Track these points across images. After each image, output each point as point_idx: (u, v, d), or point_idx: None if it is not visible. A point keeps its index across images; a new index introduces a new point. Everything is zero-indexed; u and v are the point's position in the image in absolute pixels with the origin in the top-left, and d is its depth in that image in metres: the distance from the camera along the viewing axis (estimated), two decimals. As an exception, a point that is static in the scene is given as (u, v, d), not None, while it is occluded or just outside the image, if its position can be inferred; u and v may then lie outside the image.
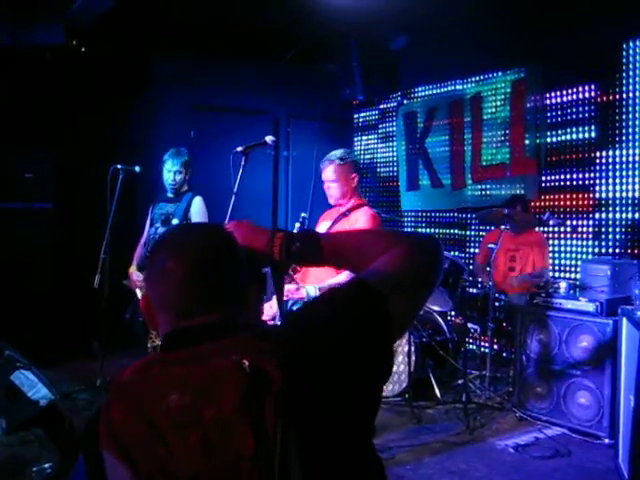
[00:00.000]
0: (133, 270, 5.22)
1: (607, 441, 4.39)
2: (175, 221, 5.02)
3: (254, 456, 0.95)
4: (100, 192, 5.12)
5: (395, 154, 8.42)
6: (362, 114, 9.03)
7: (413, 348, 5.23)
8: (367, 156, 8.97)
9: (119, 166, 5.14)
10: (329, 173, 4.10)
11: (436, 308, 5.85)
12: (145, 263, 1.13)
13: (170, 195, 5.15)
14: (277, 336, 1.17)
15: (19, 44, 6.13)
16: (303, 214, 3.92)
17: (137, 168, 5.24)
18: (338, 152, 4.15)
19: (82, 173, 6.76)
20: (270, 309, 3.73)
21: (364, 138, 9.03)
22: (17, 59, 6.30)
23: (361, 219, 3.98)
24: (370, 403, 1.21)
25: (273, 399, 0.98)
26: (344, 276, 3.61)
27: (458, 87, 7.54)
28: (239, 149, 3.71)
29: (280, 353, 1.05)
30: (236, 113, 7.90)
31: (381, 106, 8.69)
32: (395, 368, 5.36)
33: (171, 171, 5.03)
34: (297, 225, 3.80)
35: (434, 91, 7.92)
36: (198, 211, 5.11)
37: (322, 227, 4.13)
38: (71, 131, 6.84)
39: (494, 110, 6.98)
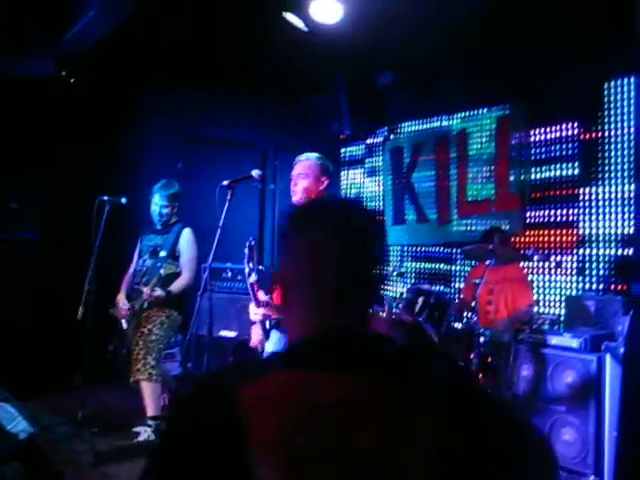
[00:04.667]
0: (121, 298, 5.20)
1: (592, 478, 4.36)
2: (163, 253, 5.03)
3: None
4: (86, 223, 5.10)
5: (381, 188, 8.48)
6: (349, 148, 9.10)
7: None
8: (353, 190, 9.02)
9: (105, 197, 5.13)
10: (301, 167, 3.92)
11: (421, 342, 5.84)
12: (284, 232, 1.03)
13: (158, 227, 5.17)
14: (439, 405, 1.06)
15: (8, 75, 6.15)
16: (251, 238, 3.71)
17: (123, 199, 5.23)
18: (315, 153, 4.00)
19: (69, 204, 6.73)
20: (258, 336, 3.70)
21: (351, 172, 9.10)
22: (6, 89, 6.31)
23: None
24: None
25: None
26: None
27: (444, 123, 7.62)
28: (225, 183, 3.72)
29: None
30: (224, 145, 7.94)
31: (368, 141, 8.76)
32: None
33: (157, 204, 5.06)
34: (246, 251, 3.65)
35: (420, 127, 7.99)
36: (187, 242, 5.12)
37: None
38: (59, 161, 6.84)
39: (479, 146, 7.05)
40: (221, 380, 1.09)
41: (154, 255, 5.07)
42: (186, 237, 5.14)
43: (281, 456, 0.95)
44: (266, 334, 3.67)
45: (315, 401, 1.00)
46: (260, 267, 3.67)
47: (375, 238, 1.21)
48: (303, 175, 3.89)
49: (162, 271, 4.98)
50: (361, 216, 1.22)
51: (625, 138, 5.59)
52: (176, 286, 5.06)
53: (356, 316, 1.15)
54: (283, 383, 1.02)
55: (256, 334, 3.69)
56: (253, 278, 3.51)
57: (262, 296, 3.51)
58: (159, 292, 4.96)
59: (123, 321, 5.20)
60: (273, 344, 3.64)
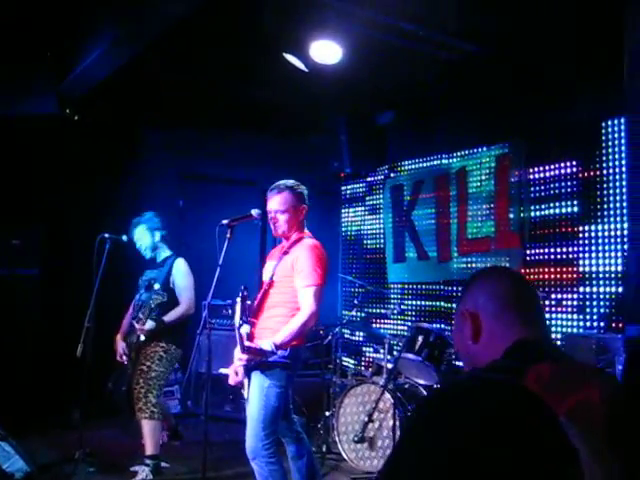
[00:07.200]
0: (118, 339, 5.23)
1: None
2: (157, 286, 5.06)
3: None
4: (87, 260, 5.13)
5: (382, 226, 8.50)
6: (349, 186, 9.16)
7: (398, 423, 5.16)
8: (354, 228, 9.06)
9: (106, 235, 5.17)
10: (277, 202, 3.84)
11: (421, 382, 5.81)
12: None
13: (155, 261, 5.24)
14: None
15: (12, 112, 6.23)
16: (243, 287, 3.66)
17: (124, 237, 5.27)
18: (288, 182, 3.91)
19: (69, 240, 6.78)
20: (235, 376, 3.70)
21: (351, 210, 9.14)
22: (9, 126, 6.38)
23: (301, 255, 3.73)
24: None
25: None
26: (298, 318, 3.58)
27: (444, 161, 7.66)
28: (225, 222, 3.74)
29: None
30: (224, 183, 8.00)
31: (368, 179, 8.82)
32: (380, 443, 5.29)
33: (135, 241, 5.21)
34: (238, 300, 3.62)
35: (420, 165, 8.04)
36: (179, 272, 5.16)
37: (268, 267, 3.93)
38: (59, 198, 6.89)
39: (479, 184, 7.09)
40: (494, 377, 1.30)
41: (149, 289, 5.09)
42: (178, 267, 5.18)
43: (594, 420, 1.19)
44: (247, 375, 3.69)
45: (584, 381, 1.29)
46: (248, 302, 3.65)
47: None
48: (281, 211, 3.85)
49: (151, 302, 5.02)
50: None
51: (623, 177, 5.62)
52: (170, 316, 5.03)
53: (543, 329, 1.55)
54: (546, 371, 1.27)
55: (233, 375, 3.70)
56: (245, 329, 3.50)
57: (248, 343, 3.52)
58: (149, 325, 4.96)
59: (124, 357, 5.21)
60: (256, 383, 3.66)
